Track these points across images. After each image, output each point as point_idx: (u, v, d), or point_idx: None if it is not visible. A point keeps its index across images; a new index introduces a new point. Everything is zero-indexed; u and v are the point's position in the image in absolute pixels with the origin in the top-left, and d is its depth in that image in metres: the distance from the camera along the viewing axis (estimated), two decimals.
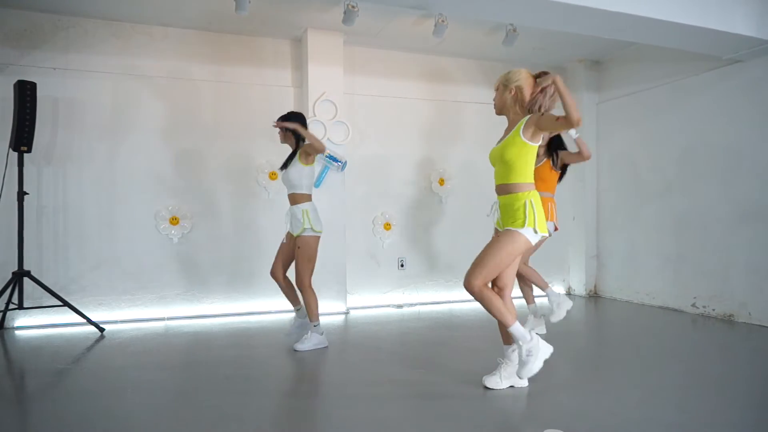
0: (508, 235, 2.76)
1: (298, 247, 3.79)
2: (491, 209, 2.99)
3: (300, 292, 3.86)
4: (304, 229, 3.77)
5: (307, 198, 3.87)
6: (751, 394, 2.92)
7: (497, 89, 2.94)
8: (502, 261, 2.76)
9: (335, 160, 5.27)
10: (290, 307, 5.38)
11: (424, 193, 5.94)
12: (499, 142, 2.91)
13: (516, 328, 2.79)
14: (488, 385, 2.94)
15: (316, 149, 3.75)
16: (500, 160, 2.83)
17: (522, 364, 2.79)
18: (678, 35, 4.31)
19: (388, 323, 4.86)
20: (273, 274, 3.96)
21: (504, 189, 2.84)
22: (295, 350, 3.80)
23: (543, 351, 2.82)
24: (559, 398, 2.81)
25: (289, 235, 3.94)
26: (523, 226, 2.73)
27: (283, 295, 4.06)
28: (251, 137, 5.34)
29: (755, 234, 4.69)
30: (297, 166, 3.80)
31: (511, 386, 2.93)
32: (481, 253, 2.81)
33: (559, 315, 4.12)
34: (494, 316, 2.82)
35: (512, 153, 2.77)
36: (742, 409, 2.68)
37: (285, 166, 3.87)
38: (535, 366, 2.77)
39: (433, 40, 5.34)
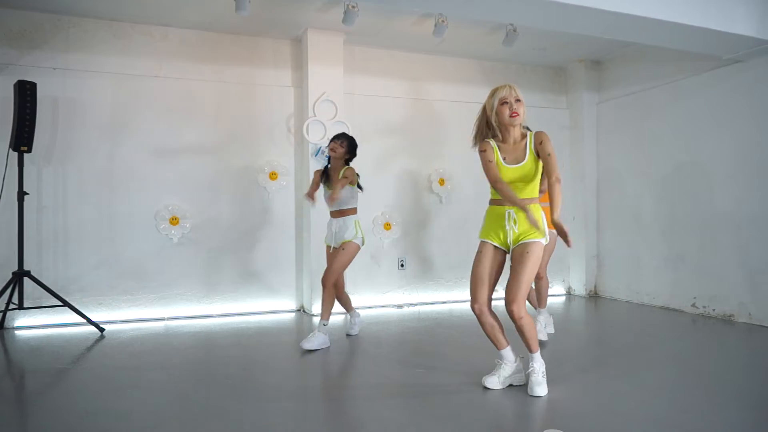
0: (532, 249, 2.84)
1: (343, 249, 3.99)
2: (508, 223, 2.91)
3: (323, 287, 3.99)
4: (356, 236, 4.03)
5: (355, 211, 4.13)
6: (751, 394, 2.92)
7: (521, 101, 2.90)
8: (533, 274, 2.87)
9: None
10: (290, 307, 5.44)
11: (424, 193, 5.94)
12: (510, 162, 2.91)
13: (539, 355, 2.92)
14: (488, 386, 2.94)
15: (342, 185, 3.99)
16: (526, 179, 2.90)
17: (538, 383, 2.86)
18: (678, 35, 4.31)
19: (388, 323, 4.87)
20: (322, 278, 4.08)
21: (527, 202, 2.88)
22: (303, 348, 3.83)
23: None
24: (559, 398, 2.81)
25: (328, 247, 4.16)
26: (544, 234, 2.86)
27: (340, 304, 4.31)
28: (251, 137, 5.34)
29: (755, 234, 4.69)
30: (344, 186, 4.03)
31: (511, 385, 2.99)
32: (515, 277, 2.84)
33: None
34: (527, 339, 2.89)
35: (535, 171, 2.91)
36: (742, 409, 2.68)
37: (326, 183, 4.12)
38: (546, 388, 2.87)
39: (433, 40, 5.34)
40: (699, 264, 5.17)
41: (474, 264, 2.97)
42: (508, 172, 2.91)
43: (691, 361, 3.63)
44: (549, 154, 2.85)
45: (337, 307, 5.26)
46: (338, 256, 3.99)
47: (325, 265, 5.08)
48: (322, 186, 4.22)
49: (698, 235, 5.18)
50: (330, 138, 4.26)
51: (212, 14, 4.88)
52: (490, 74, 6.13)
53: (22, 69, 4.63)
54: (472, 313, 2.95)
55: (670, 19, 4.01)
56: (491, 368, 3.05)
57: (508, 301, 2.84)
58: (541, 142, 2.88)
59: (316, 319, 5.00)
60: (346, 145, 4.09)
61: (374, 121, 5.72)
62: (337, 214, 4.11)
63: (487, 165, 2.93)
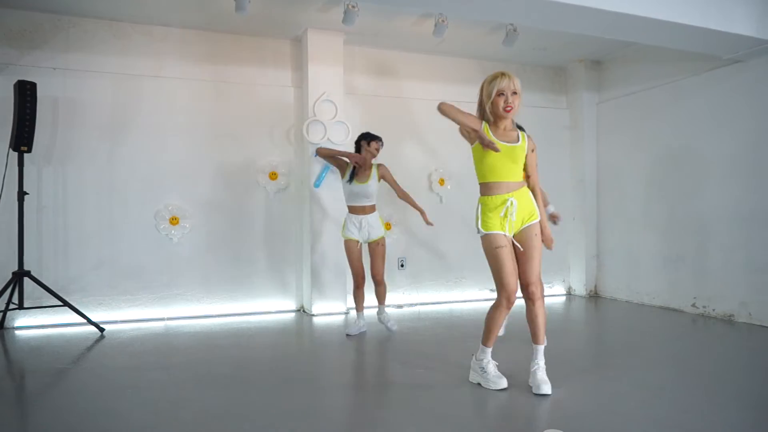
0: (538, 230, 2.91)
1: (381, 245, 4.35)
2: (505, 211, 2.86)
3: (377, 283, 4.37)
4: (385, 231, 4.38)
5: (376, 207, 4.40)
6: (751, 394, 2.92)
7: (517, 93, 2.89)
8: (541, 254, 2.93)
9: None
10: (290, 307, 5.43)
11: (424, 193, 5.93)
12: (501, 141, 2.89)
13: (543, 350, 2.96)
14: (505, 386, 2.93)
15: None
16: (517, 161, 2.90)
17: (545, 381, 2.86)
18: (678, 35, 4.31)
19: None
20: (373, 276, 4.40)
21: (518, 185, 2.93)
22: (393, 330, 4.37)
23: None
24: (559, 398, 2.80)
25: (355, 242, 4.34)
26: (538, 215, 2.94)
27: (354, 300, 4.48)
28: (251, 137, 5.34)
29: (755, 234, 4.69)
30: (376, 182, 4.33)
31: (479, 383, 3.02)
32: (529, 258, 2.88)
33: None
34: (539, 326, 2.92)
35: (523, 155, 2.94)
36: (742, 409, 2.68)
37: (353, 179, 4.30)
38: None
39: (433, 40, 5.34)
40: (699, 264, 5.17)
41: (497, 258, 2.84)
42: (505, 149, 2.88)
43: (691, 361, 3.63)
44: (536, 164, 3.05)
45: (338, 307, 5.28)
46: (379, 252, 4.33)
47: (326, 264, 5.13)
48: (343, 182, 4.40)
49: (698, 234, 5.18)
50: (368, 137, 4.39)
51: (212, 14, 4.88)
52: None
53: (22, 69, 4.63)
54: (506, 304, 2.87)
55: (670, 19, 4.01)
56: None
57: (528, 283, 2.87)
58: (532, 150, 2.97)
59: (316, 319, 5.01)
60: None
61: (374, 121, 5.71)
62: (366, 210, 4.31)
63: (467, 115, 2.92)
